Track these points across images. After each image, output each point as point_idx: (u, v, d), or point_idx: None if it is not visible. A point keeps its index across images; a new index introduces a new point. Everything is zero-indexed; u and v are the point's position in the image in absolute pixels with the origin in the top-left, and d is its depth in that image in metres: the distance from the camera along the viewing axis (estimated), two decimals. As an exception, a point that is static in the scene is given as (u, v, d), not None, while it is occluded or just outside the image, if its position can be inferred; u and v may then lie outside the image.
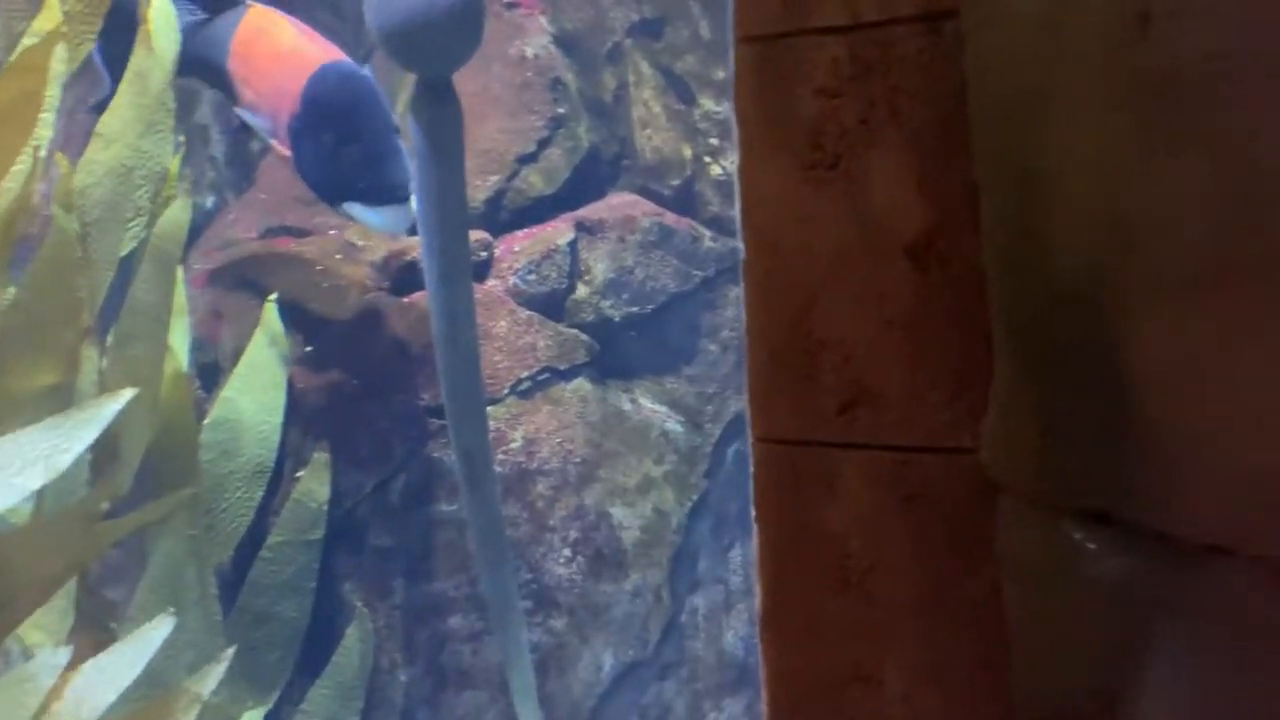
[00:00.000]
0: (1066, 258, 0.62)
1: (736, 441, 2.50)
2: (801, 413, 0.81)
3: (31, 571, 1.62)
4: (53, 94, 1.77)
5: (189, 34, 2.11)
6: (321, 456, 2.21)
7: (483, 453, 1.96)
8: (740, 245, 0.85)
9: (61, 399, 1.95)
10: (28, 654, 1.78)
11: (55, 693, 1.60)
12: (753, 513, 0.85)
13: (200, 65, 2.17)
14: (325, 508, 2.18)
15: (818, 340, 0.80)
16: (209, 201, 2.55)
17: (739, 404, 2.51)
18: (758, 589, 0.84)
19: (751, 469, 0.87)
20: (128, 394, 1.69)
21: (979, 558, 0.74)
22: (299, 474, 2.21)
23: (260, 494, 2.16)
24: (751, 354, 0.84)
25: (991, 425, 0.72)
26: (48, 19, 1.89)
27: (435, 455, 2.24)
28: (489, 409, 2.15)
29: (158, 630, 1.67)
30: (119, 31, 2.07)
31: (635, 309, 2.40)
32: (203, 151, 2.56)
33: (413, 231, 2.08)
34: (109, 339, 2.05)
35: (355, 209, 1.99)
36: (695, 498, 2.44)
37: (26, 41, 1.87)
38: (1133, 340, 0.60)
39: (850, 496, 0.79)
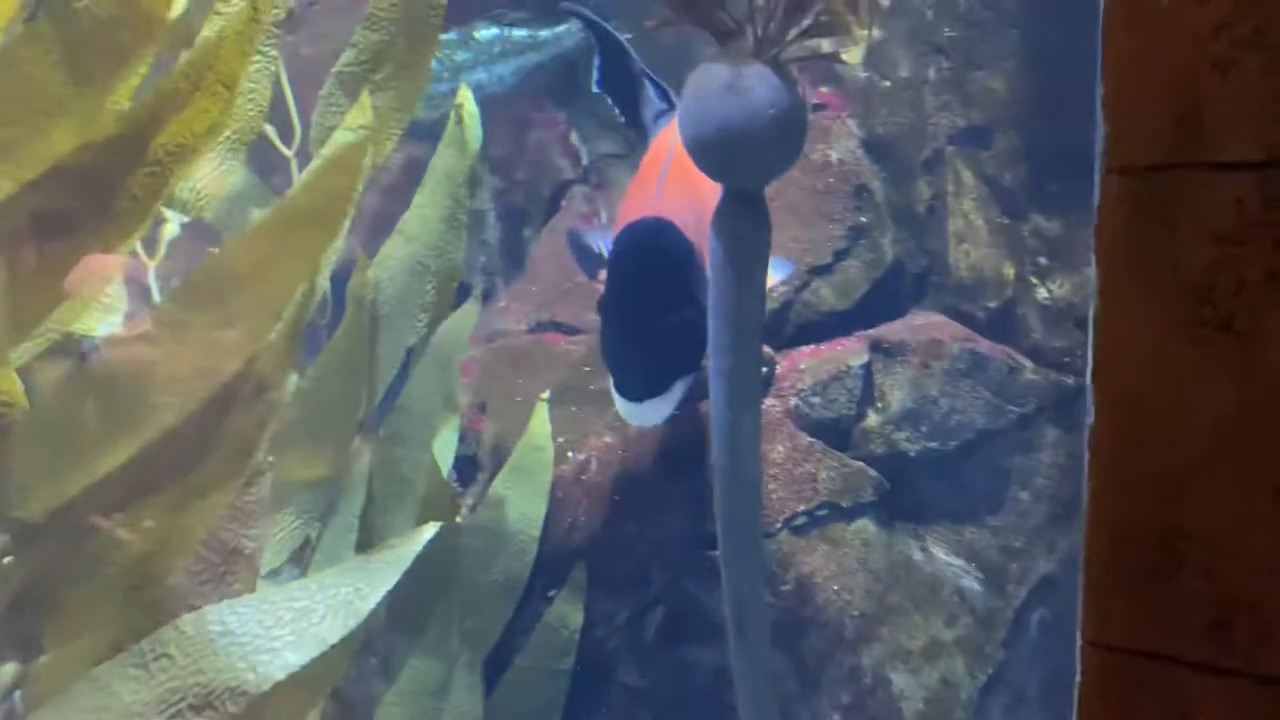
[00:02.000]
0: None
1: (1042, 608, 2.30)
2: (1150, 620, 0.73)
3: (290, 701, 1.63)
4: (358, 190, 1.92)
5: (652, 121, 2.21)
6: (579, 576, 2.20)
7: (758, 599, 1.85)
8: (1089, 407, 0.76)
9: (328, 494, 2.08)
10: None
11: None
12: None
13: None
14: (577, 635, 2.16)
15: (1181, 532, 0.71)
16: (478, 288, 2.66)
17: (1049, 564, 2.32)
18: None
19: (1078, 675, 0.79)
20: (429, 531, 1.74)
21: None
22: (551, 593, 2.21)
23: (509, 611, 2.17)
24: (1091, 538, 0.77)
25: None
26: (359, 115, 2.06)
27: (695, 591, 2.20)
28: (760, 543, 2.08)
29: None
30: (613, 64, 2.21)
31: (935, 444, 2.28)
32: (476, 236, 2.68)
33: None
34: (380, 434, 2.17)
35: (610, 384, 1.92)
36: (990, 670, 2.25)
37: (340, 137, 2.05)
38: None
39: (1212, 733, 0.69)
